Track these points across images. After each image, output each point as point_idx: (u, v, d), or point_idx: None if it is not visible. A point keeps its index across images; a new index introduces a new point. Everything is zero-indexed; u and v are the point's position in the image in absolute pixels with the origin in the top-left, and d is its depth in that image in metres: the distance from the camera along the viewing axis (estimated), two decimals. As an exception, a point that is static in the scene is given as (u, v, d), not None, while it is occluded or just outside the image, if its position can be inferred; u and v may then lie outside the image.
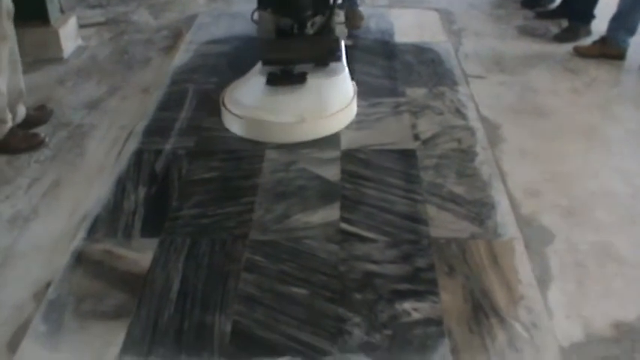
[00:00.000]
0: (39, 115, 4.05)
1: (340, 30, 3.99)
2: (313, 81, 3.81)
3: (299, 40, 3.85)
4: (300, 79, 3.80)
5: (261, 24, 3.89)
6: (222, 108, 3.90)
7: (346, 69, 4.00)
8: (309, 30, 3.85)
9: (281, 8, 3.82)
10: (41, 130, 3.86)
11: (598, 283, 2.73)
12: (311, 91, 3.80)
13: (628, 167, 3.46)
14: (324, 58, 3.88)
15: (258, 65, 3.96)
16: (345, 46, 4.36)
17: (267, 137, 3.72)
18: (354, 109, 3.96)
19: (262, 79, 3.84)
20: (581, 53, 4.72)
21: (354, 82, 4.07)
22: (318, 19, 3.85)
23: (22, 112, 3.91)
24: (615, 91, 4.30)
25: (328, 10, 3.85)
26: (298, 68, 3.84)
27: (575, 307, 2.60)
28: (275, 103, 3.76)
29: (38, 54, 4.67)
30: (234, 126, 3.83)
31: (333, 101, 3.83)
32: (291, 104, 3.75)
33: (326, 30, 3.89)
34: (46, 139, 3.79)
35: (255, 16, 3.89)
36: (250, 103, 3.81)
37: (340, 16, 4.00)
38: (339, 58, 3.92)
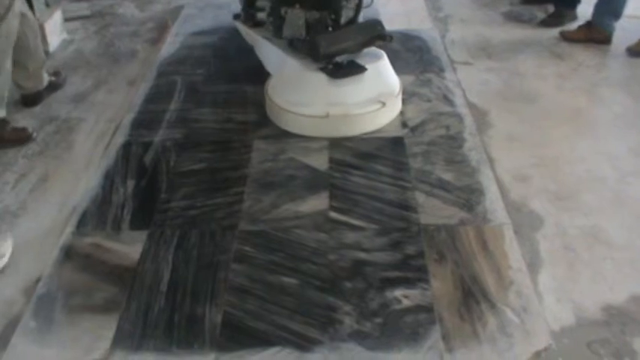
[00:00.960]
0: (57, 81, 4.28)
1: (362, 16, 3.97)
2: (371, 66, 3.74)
3: (345, 30, 3.80)
4: (360, 67, 3.73)
5: (289, 21, 3.84)
6: (286, 113, 3.73)
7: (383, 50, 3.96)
8: (343, 19, 3.83)
9: (316, 2, 3.78)
10: (30, 123, 3.86)
11: (587, 267, 2.73)
12: (376, 76, 3.76)
13: (615, 151, 3.46)
14: (375, 41, 3.80)
15: (292, 64, 3.81)
16: None
17: (352, 130, 3.66)
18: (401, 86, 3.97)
19: (320, 75, 3.66)
20: (567, 38, 4.72)
21: None
22: (351, 6, 3.84)
23: (45, 78, 4.18)
24: (602, 75, 4.30)
25: None
26: (348, 57, 3.78)
27: (565, 291, 2.61)
28: (353, 95, 3.67)
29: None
30: (311, 128, 3.68)
31: (394, 81, 3.89)
32: (365, 92, 3.69)
33: (356, 17, 3.88)
34: (34, 135, 3.78)
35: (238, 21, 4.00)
36: (322, 101, 3.66)
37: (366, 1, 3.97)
38: (390, 39, 3.81)
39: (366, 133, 3.66)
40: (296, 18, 3.82)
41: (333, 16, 3.78)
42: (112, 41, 5.06)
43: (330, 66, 3.70)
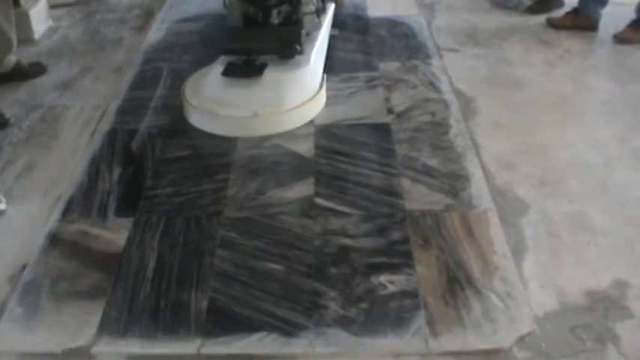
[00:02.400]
0: (29, 70, 4.26)
1: (310, 21, 3.91)
2: (271, 74, 3.65)
3: (261, 31, 3.77)
4: (256, 71, 3.64)
5: (230, 11, 3.84)
6: (182, 97, 3.79)
7: (311, 62, 3.83)
8: (274, 19, 3.79)
9: None
10: (15, 111, 3.85)
11: (572, 253, 2.74)
12: (267, 85, 3.63)
13: (601, 137, 3.48)
14: (283, 50, 3.73)
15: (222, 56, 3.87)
16: (331, 36, 4.36)
17: (221, 130, 3.60)
18: (316, 105, 3.76)
19: (219, 69, 3.72)
20: (553, 25, 4.73)
21: (324, 76, 3.92)
22: (284, 9, 3.77)
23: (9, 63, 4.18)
24: (588, 62, 4.31)
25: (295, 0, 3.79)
26: (263, 59, 3.72)
27: (549, 277, 2.62)
28: (230, 96, 3.63)
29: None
30: (191, 117, 3.71)
31: (291, 96, 3.65)
32: (246, 97, 3.61)
33: (292, 20, 3.80)
34: (12, 120, 3.77)
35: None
36: (207, 95, 3.70)
37: (309, 6, 3.90)
38: (299, 52, 3.75)
39: (341, 120, 3.67)
40: (234, 8, 3.82)
41: (262, 14, 3.76)
42: (97, 28, 5.05)
43: (241, 63, 3.70)
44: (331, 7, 4.58)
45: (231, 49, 3.74)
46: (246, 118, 3.54)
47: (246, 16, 3.77)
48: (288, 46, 3.69)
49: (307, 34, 3.96)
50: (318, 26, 3.98)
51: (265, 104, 3.57)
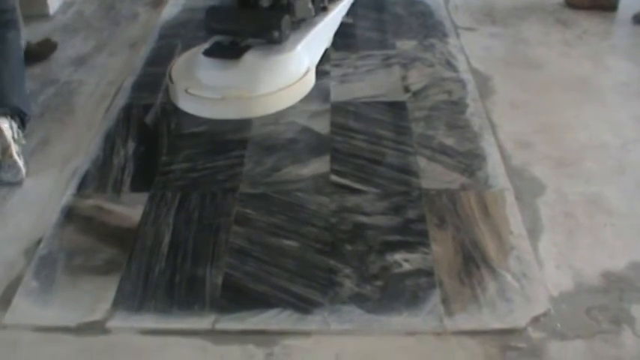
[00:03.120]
0: (39, 50, 4.18)
1: (303, 7, 3.74)
2: (249, 58, 3.58)
3: (246, 13, 3.70)
4: (236, 53, 3.58)
5: None
6: (167, 75, 3.78)
7: (295, 50, 3.70)
8: (264, 2, 3.69)
9: None
10: (30, 86, 3.83)
11: (588, 234, 2.73)
12: (241, 69, 3.56)
13: (618, 119, 3.45)
14: (262, 35, 3.63)
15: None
16: (342, 23, 4.28)
17: (192, 110, 3.57)
18: (294, 94, 3.65)
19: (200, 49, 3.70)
20: (572, 4, 4.68)
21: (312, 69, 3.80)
22: None
23: None
24: (607, 43, 4.27)
25: None
26: (248, 42, 3.65)
27: (565, 258, 2.61)
28: (204, 76, 3.61)
29: (23, 10, 4.54)
30: (175, 97, 3.67)
31: (264, 82, 3.57)
32: (217, 79, 3.57)
33: (280, 5, 3.70)
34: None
35: None
36: (186, 72, 3.69)
37: None
38: (277, 39, 3.61)
39: (357, 97, 3.65)
40: None
41: None
42: (112, 4, 5.03)
43: (227, 44, 3.66)
44: None
45: (211, 27, 3.69)
46: (213, 100, 3.53)
47: None
48: (267, 30, 3.60)
49: (300, 21, 3.83)
50: (310, 13, 3.83)
51: (235, 88, 3.54)
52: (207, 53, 3.61)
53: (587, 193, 2.94)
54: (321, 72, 3.88)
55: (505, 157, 3.15)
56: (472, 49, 4.17)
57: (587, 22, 4.48)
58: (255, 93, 3.54)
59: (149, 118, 3.53)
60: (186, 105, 3.58)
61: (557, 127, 3.39)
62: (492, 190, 2.94)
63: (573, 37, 4.30)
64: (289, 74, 3.66)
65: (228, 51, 3.61)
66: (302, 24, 3.85)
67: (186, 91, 3.56)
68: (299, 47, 3.72)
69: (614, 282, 2.50)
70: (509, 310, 2.38)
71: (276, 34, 3.56)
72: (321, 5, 4.00)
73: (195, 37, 4.36)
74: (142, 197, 2.98)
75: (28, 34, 4.22)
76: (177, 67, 3.78)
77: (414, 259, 2.59)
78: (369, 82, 3.78)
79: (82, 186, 3.08)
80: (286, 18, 3.62)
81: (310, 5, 3.77)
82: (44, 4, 4.75)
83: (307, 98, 3.65)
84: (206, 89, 3.54)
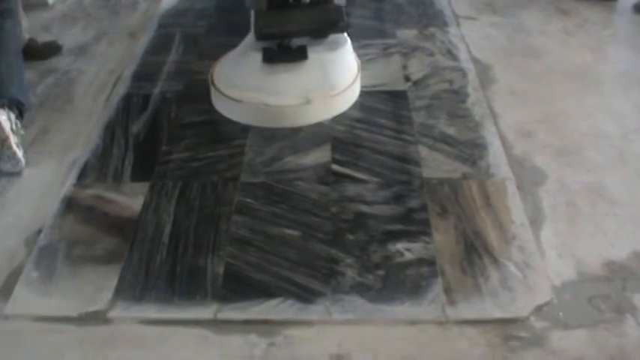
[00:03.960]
0: (43, 50, 4.13)
1: None
2: (315, 56, 3.41)
3: (298, 11, 3.43)
4: (300, 54, 3.39)
5: None
6: (213, 89, 3.52)
7: (349, 40, 3.63)
8: None
9: None
10: (29, 76, 3.82)
11: (590, 223, 2.73)
12: (314, 68, 3.40)
13: (619, 108, 3.44)
14: (326, 29, 3.46)
15: (250, 38, 3.54)
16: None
17: (269, 122, 3.35)
18: (358, 85, 3.57)
19: (258, 56, 3.40)
20: None
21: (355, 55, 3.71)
22: None
23: None
24: (607, 32, 4.26)
25: None
26: (295, 42, 3.44)
27: (567, 247, 2.61)
28: (275, 84, 3.38)
29: (23, 0, 4.60)
30: (230, 110, 3.44)
31: (339, 78, 3.46)
32: (294, 84, 3.38)
33: None
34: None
35: None
36: (246, 84, 3.41)
37: None
38: (343, 29, 3.47)
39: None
40: None
41: None
42: (112, -7, 5.01)
43: (276, 47, 3.42)
44: None
45: (267, 33, 3.37)
46: (297, 106, 3.34)
47: None
48: (332, 24, 3.39)
49: None
50: (344, 2, 3.62)
51: (317, 89, 3.38)
52: (270, 60, 3.39)
53: (589, 183, 2.94)
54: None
55: (506, 147, 3.15)
56: (473, 38, 4.16)
57: (588, 11, 4.47)
58: (337, 89, 3.43)
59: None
60: (266, 119, 3.37)
61: (558, 116, 3.38)
62: (494, 180, 2.93)
63: (574, 26, 4.29)
64: (354, 64, 3.61)
65: (288, 53, 3.42)
66: None
67: (263, 104, 3.35)
68: (347, 39, 3.62)
69: (617, 271, 2.50)
70: (511, 299, 2.38)
71: (342, 24, 3.39)
72: None
73: (195, 25, 4.37)
74: (143, 187, 2.97)
75: (30, 26, 4.21)
76: (229, 86, 3.47)
77: (416, 249, 2.59)
78: (369, 71, 3.75)
79: (82, 176, 3.07)
80: (344, 7, 3.48)
81: None
82: (43, -7, 4.74)
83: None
84: (285, 97, 3.35)
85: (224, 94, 3.43)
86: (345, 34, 3.60)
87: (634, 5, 4.47)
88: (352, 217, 2.75)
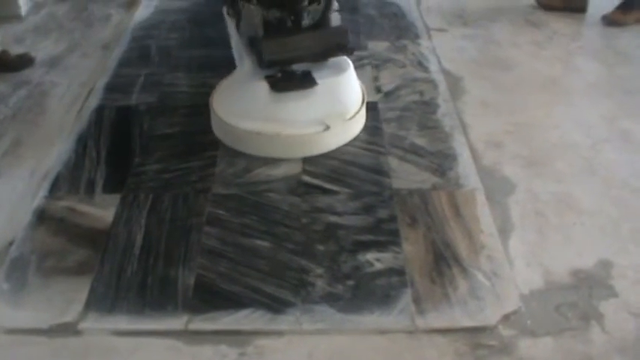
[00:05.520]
0: (16, 62, 4.13)
1: (336, 18, 3.43)
2: (324, 81, 3.26)
3: (300, 35, 3.30)
4: (309, 80, 3.26)
5: (245, 18, 3.40)
6: (221, 122, 3.36)
7: (351, 62, 3.47)
8: (306, 21, 3.35)
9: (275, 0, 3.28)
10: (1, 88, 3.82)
11: (558, 233, 2.76)
12: (327, 93, 3.28)
13: (588, 119, 3.49)
14: (333, 53, 3.34)
15: (248, 65, 3.37)
16: None
17: (288, 153, 3.25)
18: (364, 107, 3.45)
19: (264, 85, 3.24)
20: (543, 5, 4.71)
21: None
22: (313, 8, 3.38)
23: None
24: (576, 44, 4.32)
25: None
26: (302, 67, 3.32)
27: (535, 256, 2.64)
28: (288, 112, 3.26)
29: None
30: (242, 143, 3.29)
31: (351, 101, 3.38)
32: (308, 111, 3.26)
33: (323, 20, 3.38)
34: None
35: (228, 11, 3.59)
36: (257, 115, 3.26)
37: (335, 3, 3.43)
38: (351, 52, 3.39)
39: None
40: (252, 15, 3.30)
41: (292, 17, 3.31)
42: (85, 5, 4.99)
43: (279, 75, 3.28)
44: None
45: (272, 60, 3.24)
46: (316, 134, 3.24)
47: (266, 22, 3.30)
48: (339, 47, 3.31)
49: None
50: (339, 22, 3.48)
51: (333, 114, 3.28)
52: (279, 89, 3.23)
53: (558, 193, 2.97)
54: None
55: (476, 157, 3.18)
56: (444, 50, 4.20)
57: (557, 24, 4.53)
58: (351, 113, 3.34)
59: None
60: (285, 151, 3.25)
61: (527, 127, 3.42)
62: (463, 190, 2.96)
63: (544, 38, 4.34)
64: (358, 87, 3.49)
65: (295, 80, 3.28)
66: None
67: (279, 135, 3.24)
68: (349, 61, 3.48)
69: (584, 279, 2.53)
70: (480, 308, 2.40)
71: (349, 46, 3.34)
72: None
73: (168, 38, 4.38)
74: (115, 199, 2.97)
75: (2, 38, 4.21)
76: (236, 120, 3.30)
77: (386, 259, 2.61)
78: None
79: (54, 188, 3.06)
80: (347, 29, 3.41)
81: (339, 15, 3.46)
82: (15, 5, 4.71)
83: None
84: (301, 126, 3.25)
85: (231, 125, 3.30)
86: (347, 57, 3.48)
87: (603, 17, 4.53)
88: (322, 228, 2.77)
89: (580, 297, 2.46)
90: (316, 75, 3.28)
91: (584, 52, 4.22)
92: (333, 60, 3.38)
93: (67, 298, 2.49)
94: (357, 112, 3.37)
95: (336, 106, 3.31)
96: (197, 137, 3.36)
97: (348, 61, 3.45)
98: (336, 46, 3.32)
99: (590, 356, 2.25)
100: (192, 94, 3.75)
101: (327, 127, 3.24)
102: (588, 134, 3.36)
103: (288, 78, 3.28)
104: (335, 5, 3.39)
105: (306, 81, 3.26)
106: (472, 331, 2.33)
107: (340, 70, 3.38)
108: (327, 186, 3.00)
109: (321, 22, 3.35)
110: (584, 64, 4.06)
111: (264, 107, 3.26)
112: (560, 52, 4.19)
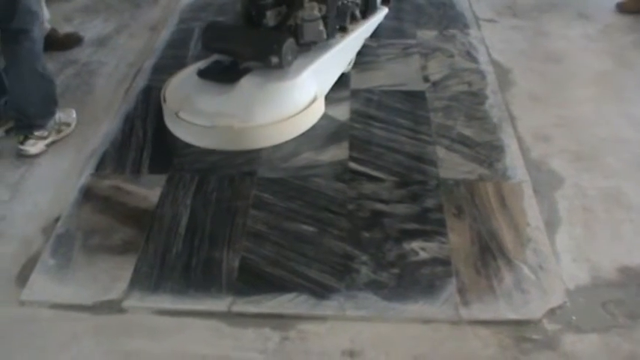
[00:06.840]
0: (64, 41, 4.17)
1: (312, 29, 3.36)
2: (245, 83, 3.23)
3: (246, 32, 3.37)
4: (230, 76, 3.25)
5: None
6: (161, 96, 3.42)
7: (299, 77, 3.30)
8: (269, 21, 3.35)
9: None
10: (49, 67, 3.82)
11: (606, 228, 2.72)
12: (235, 95, 3.22)
13: (639, 114, 3.43)
14: (259, 60, 3.25)
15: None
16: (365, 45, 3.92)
17: (181, 135, 3.25)
18: (295, 126, 3.27)
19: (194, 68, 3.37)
20: (624, 10, 4.50)
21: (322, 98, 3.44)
22: (283, 10, 3.37)
23: None
24: (629, 39, 4.23)
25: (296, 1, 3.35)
26: (248, 64, 3.31)
27: (582, 251, 2.61)
28: (196, 100, 3.26)
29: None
30: (166, 119, 3.37)
31: (259, 113, 3.19)
32: (209, 105, 3.22)
33: (287, 26, 3.37)
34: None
35: None
36: (180, 95, 3.34)
37: (314, 11, 3.35)
38: (276, 66, 3.21)
39: (377, 86, 3.58)
40: (240, 4, 3.46)
41: (254, 13, 3.36)
42: (134, -14, 5.04)
43: (226, 64, 3.34)
44: (379, 14, 4.08)
45: (208, 45, 3.38)
46: (202, 127, 3.18)
47: (247, 13, 3.39)
48: (265, 55, 3.20)
49: (310, 44, 3.44)
50: (321, 36, 3.42)
51: (227, 116, 3.18)
52: (202, 74, 3.31)
53: (606, 188, 2.93)
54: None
55: (524, 150, 3.14)
56: (493, 40, 4.15)
57: (610, 17, 4.45)
58: (248, 123, 3.17)
59: None
60: (175, 129, 3.30)
61: (576, 120, 3.37)
62: (510, 182, 2.93)
63: (595, 32, 4.27)
64: (290, 104, 3.28)
65: (225, 73, 3.29)
66: (313, 47, 3.47)
67: (176, 114, 3.24)
68: (304, 74, 3.33)
69: (632, 277, 2.50)
70: (524, 301, 2.38)
71: (275, 59, 3.18)
72: (340, 25, 3.64)
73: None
74: (161, 179, 2.99)
75: (52, 16, 4.24)
76: (172, 86, 3.45)
77: (431, 248, 2.59)
78: (388, 71, 3.77)
79: (100, 166, 3.09)
80: (290, 42, 3.23)
81: (321, 27, 3.39)
82: (65, -15, 4.76)
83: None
84: (197, 115, 3.21)
85: (163, 97, 3.40)
86: (303, 71, 3.33)
87: (617, 4, 4.45)
88: (368, 215, 2.76)
89: (628, 295, 2.42)
90: (251, 77, 3.25)
91: (636, 46, 4.14)
92: (292, 68, 3.29)
93: (112, 275, 2.51)
94: (270, 124, 3.18)
95: (234, 111, 3.19)
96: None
97: (296, 75, 3.30)
98: (262, 52, 3.22)
99: (636, 355, 2.22)
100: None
101: (214, 126, 3.17)
102: (639, 130, 3.30)
103: (223, 69, 3.34)
104: (312, 13, 3.33)
105: (228, 76, 3.27)
106: (516, 324, 2.31)
107: (278, 79, 3.27)
108: (373, 173, 2.99)
109: (282, 26, 3.37)
110: (636, 59, 3.98)
111: (187, 89, 3.35)
112: (611, 46, 4.12)
